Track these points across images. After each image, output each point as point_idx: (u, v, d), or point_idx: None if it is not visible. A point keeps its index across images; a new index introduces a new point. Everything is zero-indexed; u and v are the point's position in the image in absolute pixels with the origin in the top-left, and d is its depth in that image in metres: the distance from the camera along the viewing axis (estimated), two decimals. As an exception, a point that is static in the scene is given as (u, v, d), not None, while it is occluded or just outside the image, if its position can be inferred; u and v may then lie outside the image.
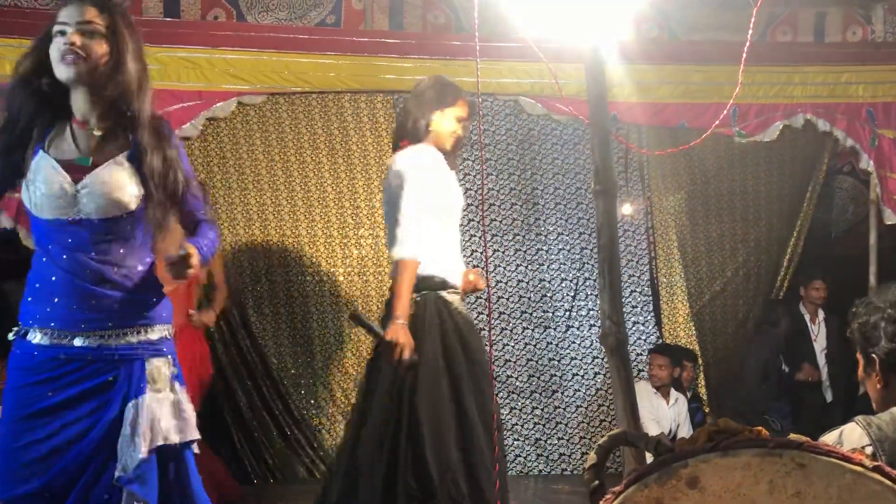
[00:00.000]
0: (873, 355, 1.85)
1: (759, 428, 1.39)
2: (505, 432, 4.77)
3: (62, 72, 2.02)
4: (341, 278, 4.65)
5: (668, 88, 4.65)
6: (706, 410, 5.12)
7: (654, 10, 4.64)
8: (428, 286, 2.93)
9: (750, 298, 5.27)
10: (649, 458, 1.47)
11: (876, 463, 1.29)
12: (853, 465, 1.27)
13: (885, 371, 1.82)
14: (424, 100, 3.06)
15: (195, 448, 2.17)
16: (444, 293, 2.92)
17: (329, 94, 4.58)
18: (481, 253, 4.75)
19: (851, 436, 1.88)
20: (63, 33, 2.02)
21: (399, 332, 2.76)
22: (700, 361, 5.09)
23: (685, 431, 4.76)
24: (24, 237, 4.03)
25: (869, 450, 1.82)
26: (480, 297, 4.76)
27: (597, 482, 1.49)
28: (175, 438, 2.08)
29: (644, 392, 4.62)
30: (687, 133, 4.60)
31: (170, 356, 2.14)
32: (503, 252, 4.87)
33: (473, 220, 4.82)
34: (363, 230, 4.69)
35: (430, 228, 2.95)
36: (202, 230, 2.21)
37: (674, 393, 4.87)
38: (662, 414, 4.77)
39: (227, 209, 4.54)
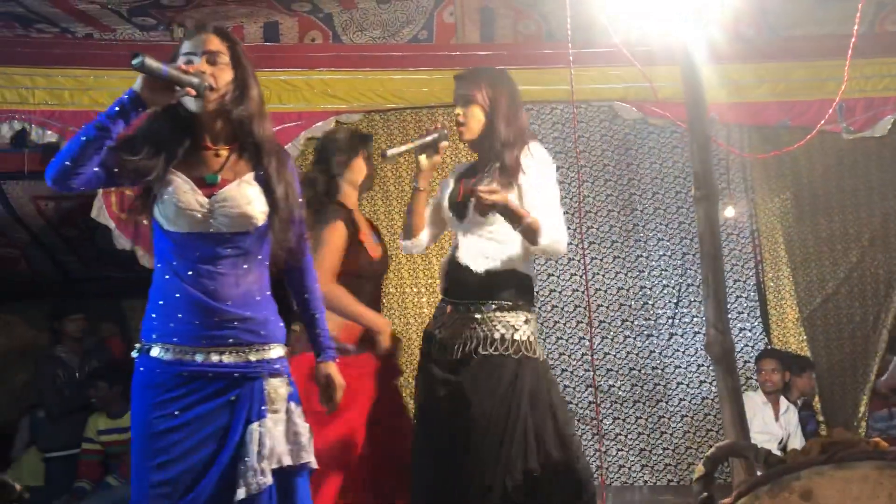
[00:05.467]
0: None
1: (876, 439, 1.33)
2: (609, 442, 4.71)
3: (192, 102, 2.10)
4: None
5: (768, 87, 4.51)
6: (820, 419, 4.91)
7: (752, 7, 4.51)
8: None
9: (868, 299, 5.02)
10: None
11: None
12: (982, 477, 1.21)
13: None
14: None
15: (313, 464, 2.18)
16: None
17: (423, 110, 4.64)
18: (579, 261, 4.71)
19: None
20: (190, 63, 2.11)
21: None
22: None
23: (796, 443, 4.57)
24: (140, 257, 4.26)
25: None
26: (580, 307, 4.72)
27: (705, 494, 1.46)
28: (287, 461, 2.11)
29: (752, 404, 4.48)
30: (790, 131, 4.45)
31: (286, 376, 2.19)
32: (601, 260, 4.81)
33: (570, 228, 4.77)
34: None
35: None
36: (310, 285, 2.36)
37: (783, 401, 4.70)
38: (772, 426, 4.60)
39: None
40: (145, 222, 2.21)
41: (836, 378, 5.05)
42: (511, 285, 2.77)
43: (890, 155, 4.91)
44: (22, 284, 6.07)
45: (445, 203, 2.99)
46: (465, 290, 2.80)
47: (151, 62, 1.94)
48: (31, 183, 4.77)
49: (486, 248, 2.77)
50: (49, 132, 4.21)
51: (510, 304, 2.75)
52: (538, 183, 2.84)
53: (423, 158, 2.95)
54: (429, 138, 2.87)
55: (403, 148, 2.86)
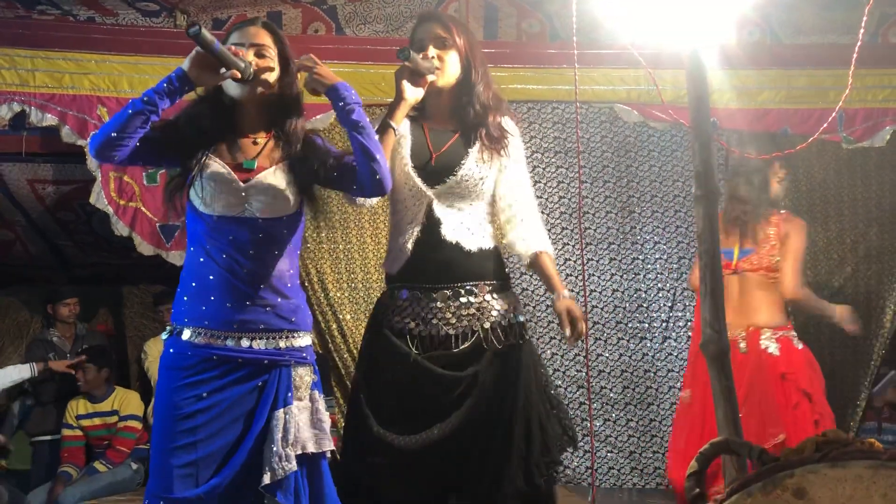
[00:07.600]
0: None
1: (871, 440, 1.34)
2: (599, 444, 4.71)
3: (235, 88, 2.15)
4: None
5: (770, 93, 4.53)
6: (811, 426, 4.92)
7: (756, 12, 4.52)
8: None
9: (861, 308, 5.02)
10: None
11: None
12: (975, 480, 1.21)
13: None
14: None
15: (328, 454, 2.21)
16: None
17: (424, 104, 4.63)
18: (576, 261, 4.71)
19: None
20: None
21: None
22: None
23: (788, 448, 4.57)
24: (138, 244, 4.25)
25: None
26: (575, 306, 4.72)
27: (697, 490, 1.46)
28: (311, 448, 2.13)
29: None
30: (790, 139, 4.47)
31: (312, 364, 2.21)
32: (598, 261, 4.82)
33: (567, 229, 4.79)
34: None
35: None
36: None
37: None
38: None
39: (340, 217, 4.63)
40: (182, 219, 2.24)
41: (827, 388, 5.05)
42: (498, 264, 2.55)
43: (889, 167, 4.93)
44: (18, 267, 6.06)
45: (407, 160, 2.49)
46: (454, 272, 2.44)
47: (207, 34, 1.98)
48: (28, 165, 4.75)
49: (469, 222, 2.49)
50: (48, 115, 4.20)
51: (501, 283, 2.53)
52: (521, 176, 2.62)
53: (409, 86, 2.46)
54: (427, 63, 2.45)
55: (420, 60, 2.41)
